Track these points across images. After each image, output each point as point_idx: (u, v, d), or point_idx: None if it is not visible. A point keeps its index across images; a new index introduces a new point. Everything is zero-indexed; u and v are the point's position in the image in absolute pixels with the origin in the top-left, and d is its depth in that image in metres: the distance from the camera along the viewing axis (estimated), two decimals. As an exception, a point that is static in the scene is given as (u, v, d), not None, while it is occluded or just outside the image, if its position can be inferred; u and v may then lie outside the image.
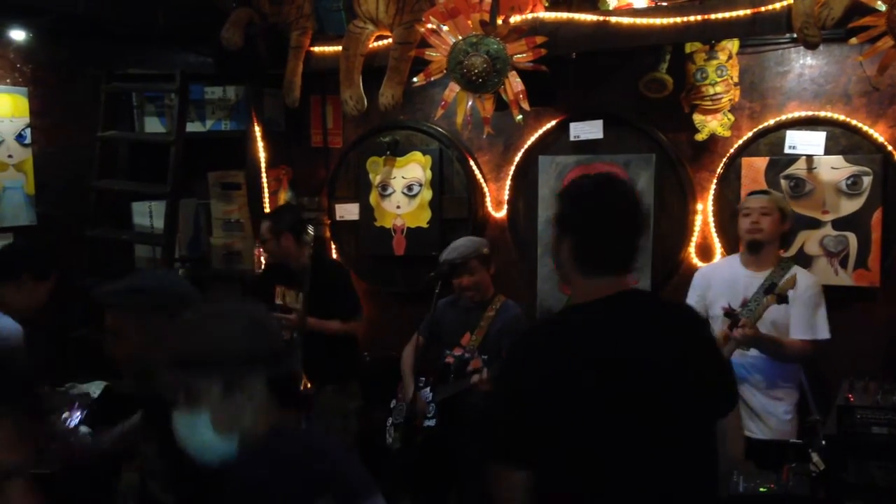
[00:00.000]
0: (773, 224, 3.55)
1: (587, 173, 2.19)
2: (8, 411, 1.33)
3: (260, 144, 4.92)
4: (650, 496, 1.87)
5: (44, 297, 3.33)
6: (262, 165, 4.94)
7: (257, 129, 4.92)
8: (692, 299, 3.70)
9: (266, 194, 4.96)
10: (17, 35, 4.37)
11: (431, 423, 3.84)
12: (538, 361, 1.92)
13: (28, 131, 4.48)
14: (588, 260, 1.98)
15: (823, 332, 3.49)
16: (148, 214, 4.97)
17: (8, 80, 4.42)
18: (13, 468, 1.35)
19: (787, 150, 4.11)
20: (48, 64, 4.62)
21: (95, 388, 3.74)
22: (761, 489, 2.85)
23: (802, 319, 3.47)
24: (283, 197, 5.08)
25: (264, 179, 4.95)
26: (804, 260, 4.00)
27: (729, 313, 3.34)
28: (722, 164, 4.28)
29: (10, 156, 4.40)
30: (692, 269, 4.39)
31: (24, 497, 1.42)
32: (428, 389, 3.91)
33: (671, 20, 3.69)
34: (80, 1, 4.03)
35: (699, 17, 3.64)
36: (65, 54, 4.70)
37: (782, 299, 3.27)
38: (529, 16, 3.96)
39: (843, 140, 4.04)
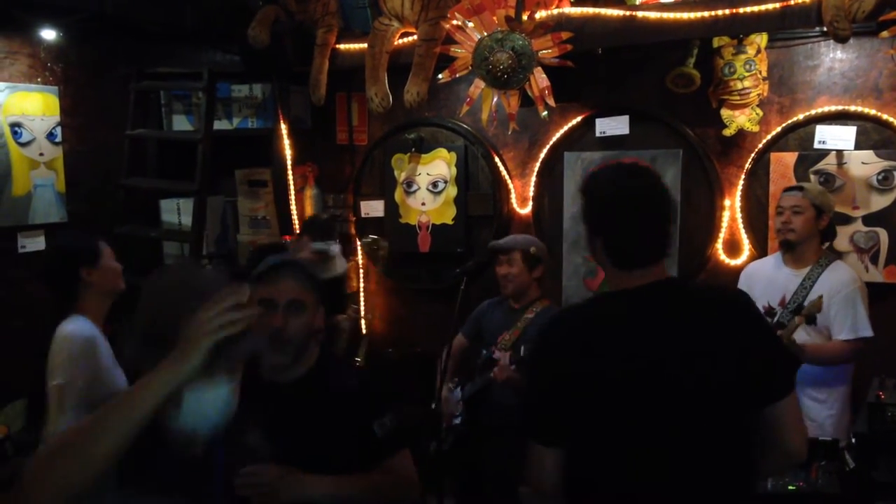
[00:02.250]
0: (805, 223, 3.49)
1: (607, 165, 2.18)
2: None
3: (286, 142, 4.95)
4: (675, 483, 1.87)
5: (119, 270, 3.18)
6: (289, 163, 4.98)
7: (283, 127, 4.95)
8: None
9: (292, 191, 5.01)
10: (48, 35, 4.43)
11: (458, 420, 3.87)
12: (567, 346, 1.95)
13: (59, 130, 4.54)
14: (619, 256, 1.99)
15: (865, 330, 3.38)
16: (176, 212, 5.01)
17: (39, 80, 4.48)
18: None
19: (816, 145, 4.06)
20: (78, 63, 4.67)
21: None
22: (790, 487, 2.82)
23: (842, 319, 3.39)
24: (309, 194, 5.10)
25: (290, 177, 4.99)
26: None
27: (768, 312, 3.30)
28: (750, 160, 4.24)
29: (41, 154, 4.46)
30: (719, 266, 4.37)
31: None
32: (459, 389, 3.92)
33: (699, 14, 3.66)
34: (109, 0, 4.08)
35: (727, 12, 3.61)
36: (94, 53, 4.76)
37: (811, 320, 3.21)
38: (555, 11, 3.94)
39: (875, 135, 3.98)
